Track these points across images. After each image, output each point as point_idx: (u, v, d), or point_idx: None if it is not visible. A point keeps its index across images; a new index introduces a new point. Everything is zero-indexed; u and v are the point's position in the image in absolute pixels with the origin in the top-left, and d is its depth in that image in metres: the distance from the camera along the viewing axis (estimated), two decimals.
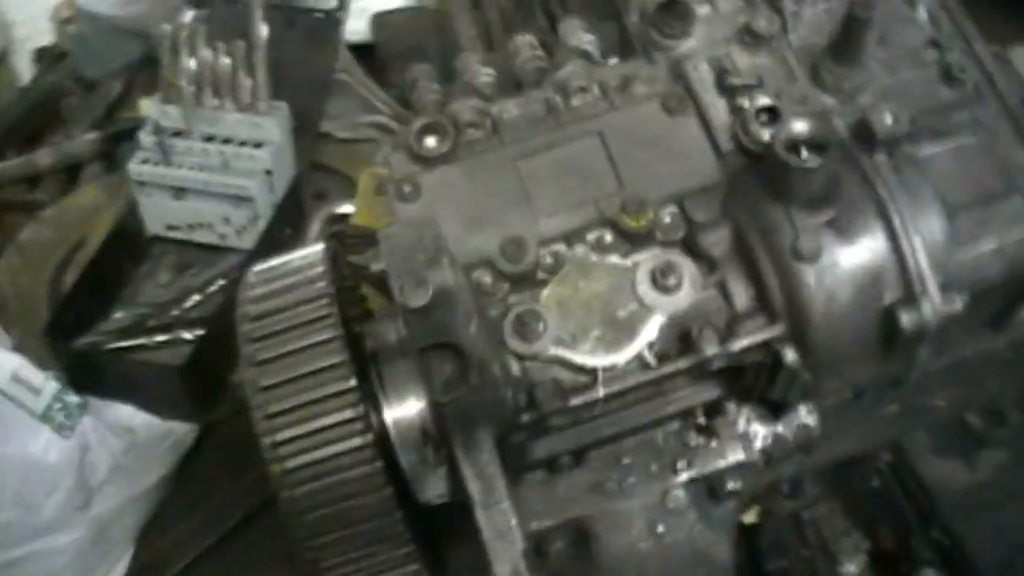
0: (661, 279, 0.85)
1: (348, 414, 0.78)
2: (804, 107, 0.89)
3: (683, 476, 0.92)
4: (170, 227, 1.46)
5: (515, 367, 0.85)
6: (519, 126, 0.94)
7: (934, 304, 0.83)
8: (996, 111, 0.92)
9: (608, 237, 0.89)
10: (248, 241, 1.43)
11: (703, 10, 0.96)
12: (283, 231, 1.38)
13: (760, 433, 0.94)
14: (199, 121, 1.43)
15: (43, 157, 1.71)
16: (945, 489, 1.88)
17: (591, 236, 0.89)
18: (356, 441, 0.78)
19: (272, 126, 1.42)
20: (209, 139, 1.44)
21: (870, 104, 0.91)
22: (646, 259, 0.86)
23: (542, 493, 0.92)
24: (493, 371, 0.79)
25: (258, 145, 1.43)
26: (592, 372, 0.84)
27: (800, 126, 0.81)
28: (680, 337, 0.86)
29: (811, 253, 0.82)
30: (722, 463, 0.93)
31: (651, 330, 0.85)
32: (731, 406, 0.93)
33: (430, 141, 0.92)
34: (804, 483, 2.11)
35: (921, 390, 1.30)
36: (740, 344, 0.85)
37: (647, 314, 0.85)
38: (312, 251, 0.86)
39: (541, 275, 0.88)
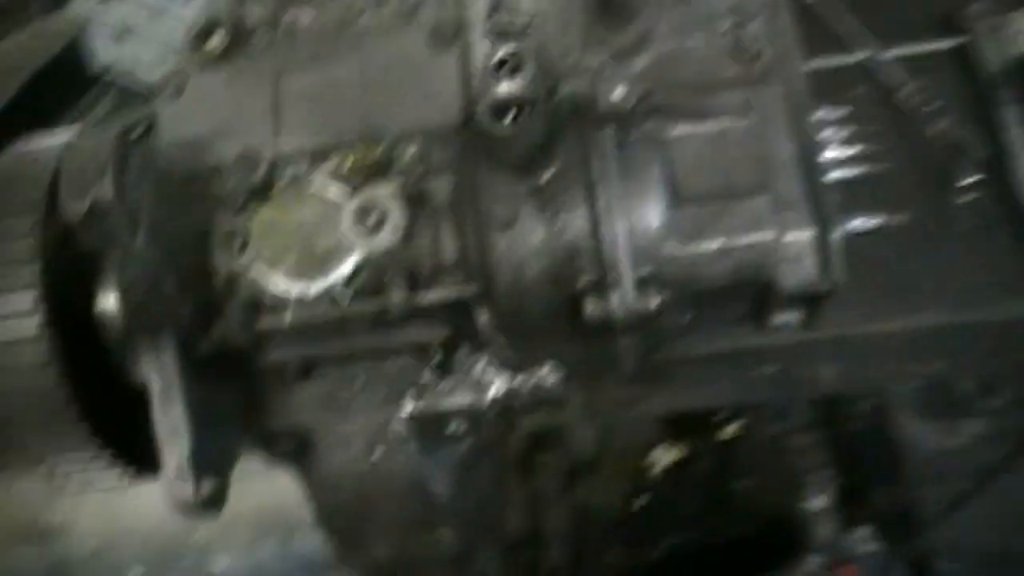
0: (363, 217, 0.84)
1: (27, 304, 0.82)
2: (563, 62, 0.84)
3: (408, 408, 0.93)
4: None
5: (219, 281, 0.87)
6: (305, 38, 0.93)
7: (625, 297, 0.79)
8: (778, 96, 0.84)
9: (347, 165, 0.88)
10: None
11: None
12: None
13: (496, 382, 0.93)
14: None
15: None
16: (917, 449, 1.81)
17: (331, 162, 0.88)
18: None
19: None
20: None
21: (643, 68, 0.85)
22: (356, 197, 0.85)
23: (276, 398, 0.95)
24: (166, 282, 0.81)
25: None
26: (284, 299, 0.86)
27: (505, 87, 0.77)
28: (379, 278, 0.85)
29: (506, 220, 0.80)
30: (448, 404, 0.93)
31: (345, 267, 0.85)
32: (466, 349, 0.92)
33: (211, 41, 0.93)
34: (792, 409, 2.07)
35: (800, 358, 1.24)
36: (429, 297, 0.83)
37: (345, 250, 0.85)
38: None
39: (274, 198, 0.88)
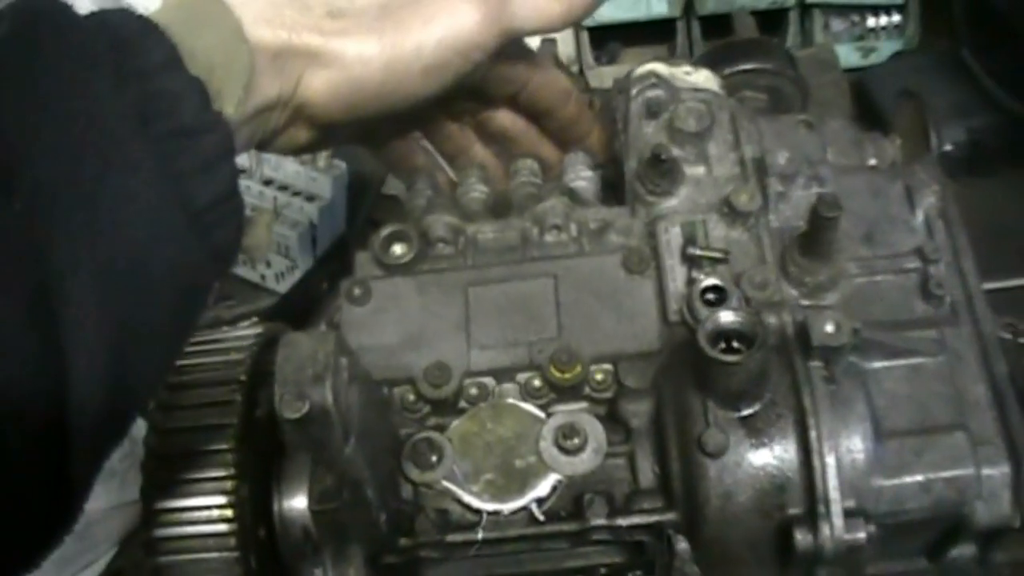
0: (563, 439, 0.84)
1: (219, 499, 0.81)
2: (761, 293, 0.87)
3: None
4: None
5: (407, 491, 0.86)
6: (489, 251, 0.95)
7: (835, 529, 0.79)
8: (967, 336, 0.87)
9: (537, 382, 0.89)
10: (284, 287, 1.49)
11: (696, 171, 0.94)
12: (319, 284, 1.42)
13: None
14: (263, 164, 1.50)
15: None
16: None
17: (521, 377, 0.89)
18: (222, 527, 0.81)
19: (326, 182, 1.48)
20: (268, 183, 1.51)
21: (834, 303, 0.89)
22: (557, 416, 0.86)
23: None
24: (366, 493, 0.80)
25: (310, 199, 1.49)
26: (478, 513, 0.85)
27: (727, 317, 0.79)
28: (574, 499, 0.85)
29: (716, 448, 0.80)
30: None
31: (544, 487, 0.84)
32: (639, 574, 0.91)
33: (396, 249, 0.94)
34: None
35: None
36: (630, 521, 0.83)
37: (543, 470, 0.84)
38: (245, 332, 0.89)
39: (463, 405, 0.89)
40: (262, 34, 0.79)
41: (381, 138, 1.03)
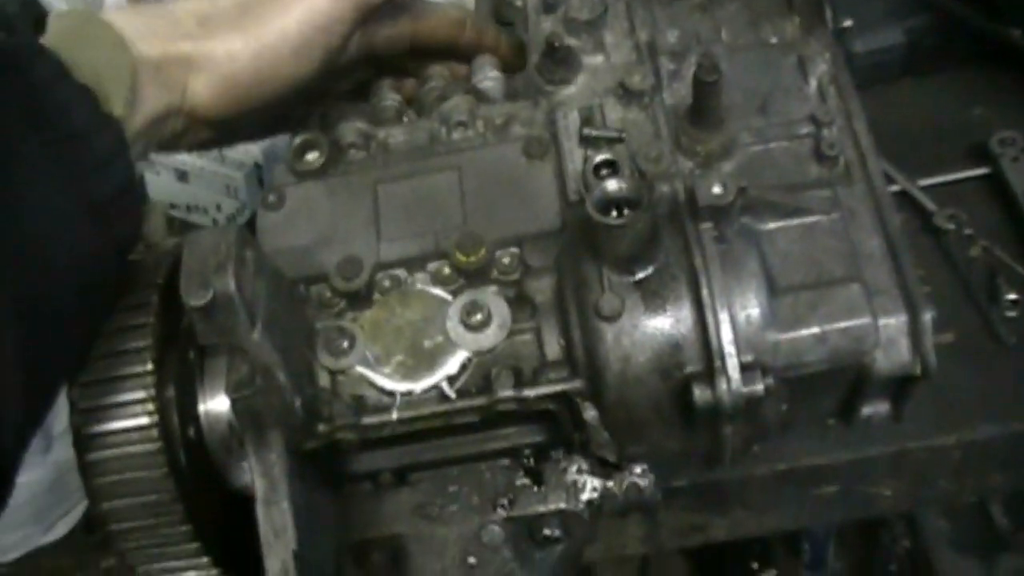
0: (467, 316, 0.87)
1: (140, 394, 0.84)
2: (655, 167, 0.89)
3: (501, 513, 0.93)
4: (172, 206, 1.58)
5: (324, 379, 0.89)
6: (399, 153, 0.98)
7: (732, 382, 0.81)
8: (861, 193, 0.89)
9: (446, 270, 0.91)
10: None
11: (594, 60, 0.97)
12: None
13: (589, 485, 0.94)
14: None
15: None
16: None
17: (431, 266, 0.91)
18: (143, 420, 0.83)
19: None
20: None
21: (728, 171, 0.90)
22: (462, 296, 0.88)
23: (369, 506, 0.95)
24: (278, 378, 0.82)
25: None
26: (392, 395, 0.87)
27: (612, 184, 0.81)
28: (484, 376, 0.87)
29: (612, 312, 0.82)
30: (542, 508, 0.93)
31: (452, 364, 0.87)
32: (559, 453, 0.93)
33: (308, 157, 0.97)
34: (827, 556, 2.06)
35: (860, 475, 1.26)
36: (536, 391, 0.85)
37: (451, 348, 0.87)
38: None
39: (378, 297, 0.91)
40: (142, 48, 0.86)
41: (294, 122, 1.07)
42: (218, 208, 1.54)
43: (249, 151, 1.52)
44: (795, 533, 2.00)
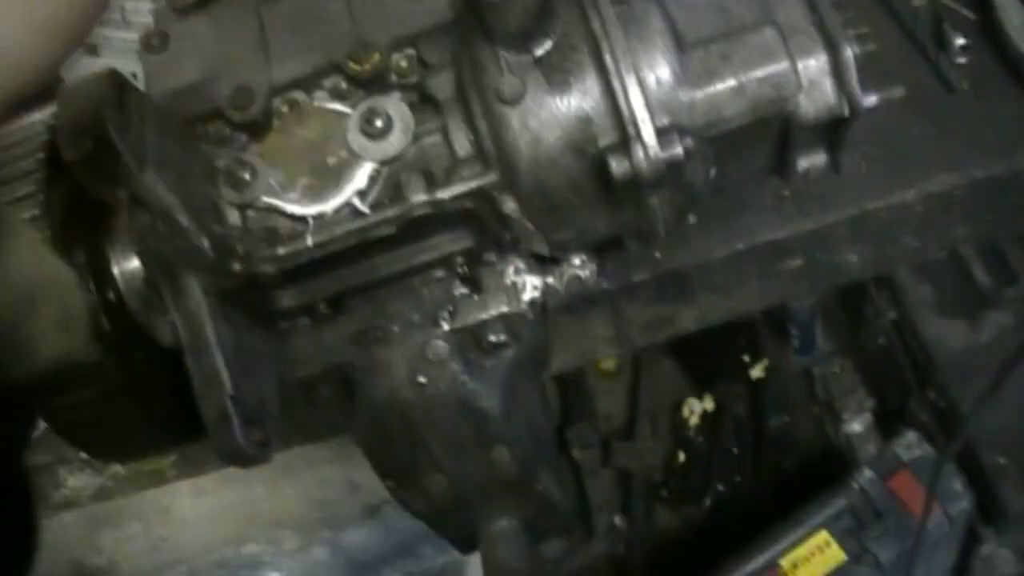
0: (367, 125, 0.82)
1: None
2: None
3: (444, 327, 0.91)
4: None
5: (233, 216, 0.85)
6: None
7: (648, 149, 0.77)
8: None
9: (343, 84, 0.86)
10: None
11: None
12: None
13: (529, 284, 0.91)
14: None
15: None
16: (944, 349, 1.80)
17: (328, 83, 0.86)
18: None
19: None
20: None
21: None
22: (360, 106, 0.84)
23: (308, 340, 0.93)
24: (179, 219, 0.79)
25: None
26: (303, 221, 0.84)
27: None
28: (395, 186, 0.83)
29: (513, 94, 0.78)
30: (484, 315, 0.91)
31: (360, 177, 0.83)
32: (493, 255, 0.90)
33: None
34: (816, 339, 2.06)
35: (822, 244, 1.23)
36: (450, 192, 0.81)
37: (355, 161, 0.83)
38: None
39: (276, 124, 0.87)
40: None
41: None
42: (134, 77, 1.48)
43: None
44: (782, 321, 2.00)
